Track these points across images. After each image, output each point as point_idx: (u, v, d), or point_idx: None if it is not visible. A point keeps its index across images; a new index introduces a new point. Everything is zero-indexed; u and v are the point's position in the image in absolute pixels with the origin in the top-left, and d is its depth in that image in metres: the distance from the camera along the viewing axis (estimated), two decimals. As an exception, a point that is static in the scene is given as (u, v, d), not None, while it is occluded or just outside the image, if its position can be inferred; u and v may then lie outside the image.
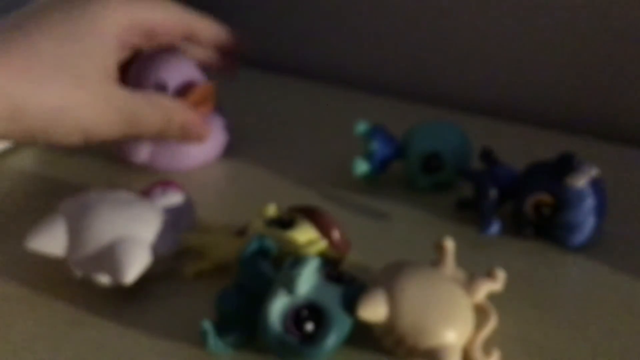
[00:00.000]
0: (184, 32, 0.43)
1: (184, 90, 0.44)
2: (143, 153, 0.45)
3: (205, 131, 0.44)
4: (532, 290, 0.34)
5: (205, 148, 0.47)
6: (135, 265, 0.33)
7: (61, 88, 0.37)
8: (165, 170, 0.46)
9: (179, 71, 0.45)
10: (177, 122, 0.42)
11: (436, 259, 0.32)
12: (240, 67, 0.48)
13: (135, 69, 0.45)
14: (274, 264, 0.32)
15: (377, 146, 0.42)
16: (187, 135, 0.43)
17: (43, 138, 0.37)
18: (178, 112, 0.42)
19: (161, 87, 0.44)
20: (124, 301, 0.34)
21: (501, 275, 0.31)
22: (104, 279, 0.33)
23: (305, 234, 0.34)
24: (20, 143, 0.38)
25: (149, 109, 0.40)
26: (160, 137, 0.42)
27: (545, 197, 0.37)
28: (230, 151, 0.48)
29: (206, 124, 0.44)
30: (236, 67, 0.48)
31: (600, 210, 0.37)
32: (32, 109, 0.36)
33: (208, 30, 0.44)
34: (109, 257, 0.33)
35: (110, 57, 0.39)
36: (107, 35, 0.39)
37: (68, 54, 0.37)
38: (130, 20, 0.40)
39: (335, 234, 0.34)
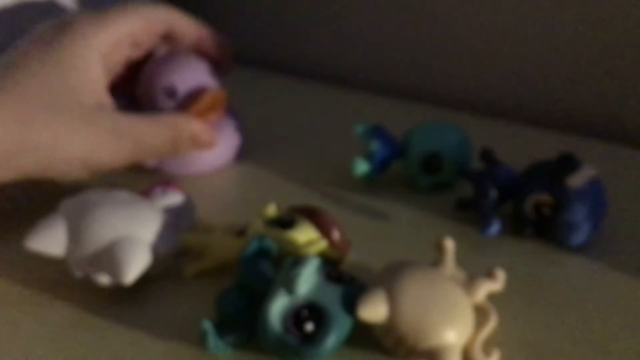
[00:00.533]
0: (163, 32, 0.43)
1: (193, 95, 0.44)
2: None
3: (213, 137, 0.43)
4: (532, 290, 0.34)
5: (219, 152, 0.46)
6: (135, 265, 0.33)
7: (50, 127, 0.36)
8: (177, 174, 0.46)
9: (189, 76, 0.44)
10: (187, 135, 0.41)
11: (436, 259, 0.32)
12: (232, 64, 0.47)
13: (145, 73, 0.45)
14: (274, 264, 0.32)
15: (377, 146, 0.42)
16: (197, 145, 0.43)
17: (39, 175, 0.37)
18: (186, 125, 0.41)
19: (171, 92, 0.44)
20: (124, 301, 0.34)
21: (501, 275, 0.31)
22: (104, 279, 0.33)
23: (305, 234, 0.34)
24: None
25: (154, 131, 0.40)
26: (172, 154, 0.42)
27: (545, 197, 0.37)
28: (242, 154, 0.48)
29: (214, 130, 0.44)
30: (226, 65, 0.47)
31: (600, 210, 0.37)
32: (24, 151, 0.36)
33: (187, 29, 0.44)
34: (108, 257, 0.33)
35: (98, 85, 0.38)
36: (92, 63, 0.38)
37: (54, 92, 0.37)
38: (113, 40, 0.40)
39: (335, 234, 0.34)
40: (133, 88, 0.45)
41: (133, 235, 0.33)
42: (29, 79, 0.37)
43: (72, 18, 0.39)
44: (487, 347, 0.30)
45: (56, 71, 0.37)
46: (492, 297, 0.32)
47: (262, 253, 0.32)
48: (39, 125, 0.36)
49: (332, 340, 0.29)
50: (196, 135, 0.42)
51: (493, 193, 0.38)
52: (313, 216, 0.34)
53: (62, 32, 0.38)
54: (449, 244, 0.32)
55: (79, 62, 0.38)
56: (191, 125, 0.42)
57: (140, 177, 0.45)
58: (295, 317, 0.29)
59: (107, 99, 0.39)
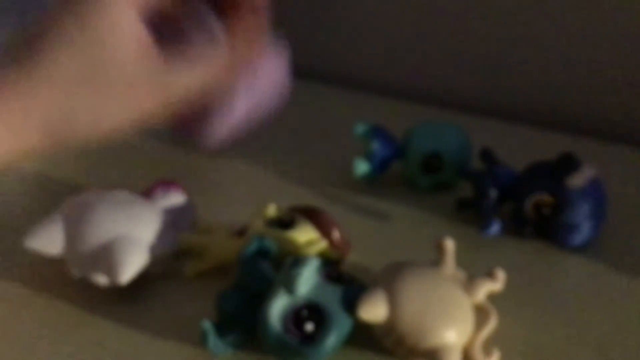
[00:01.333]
0: None
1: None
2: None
3: (259, 44, 0.41)
4: (532, 290, 0.34)
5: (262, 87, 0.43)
6: (131, 265, 0.33)
7: (92, 98, 0.36)
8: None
9: None
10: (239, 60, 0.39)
11: (436, 259, 0.32)
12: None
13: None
14: (274, 264, 0.32)
15: (377, 146, 0.42)
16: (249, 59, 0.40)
17: (85, 140, 0.37)
18: (242, 47, 0.39)
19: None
20: (124, 301, 0.34)
21: (501, 275, 0.31)
22: (101, 279, 0.33)
23: (305, 234, 0.34)
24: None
25: (204, 73, 0.37)
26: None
27: (545, 197, 0.37)
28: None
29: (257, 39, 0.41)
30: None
31: (600, 210, 0.37)
32: (68, 124, 0.36)
33: None
34: (105, 256, 0.33)
35: (138, 42, 0.36)
36: (129, 23, 0.36)
37: (92, 61, 0.36)
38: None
39: (335, 234, 0.34)
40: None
41: (131, 235, 0.33)
42: (65, 50, 0.36)
43: None
44: (487, 347, 0.30)
45: (92, 38, 0.36)
46: (492, 297, 0.32)
47: (262, 253, 0.32)
48: (80, 99, 0.36)
49: (332, 340, 0.29)
50: (246, 54, 0.40)
51: (493, 193, 0.38)
52: (313, 216, 0.34)
53: None
54: (449, 244, 0.32)
55: (114, 25, 0.37)
56: (241, 47, 0.39)
57: (140, 177, 0.45)
58: (295, 317, 0.29)
59: (150, 52, 0.38)
